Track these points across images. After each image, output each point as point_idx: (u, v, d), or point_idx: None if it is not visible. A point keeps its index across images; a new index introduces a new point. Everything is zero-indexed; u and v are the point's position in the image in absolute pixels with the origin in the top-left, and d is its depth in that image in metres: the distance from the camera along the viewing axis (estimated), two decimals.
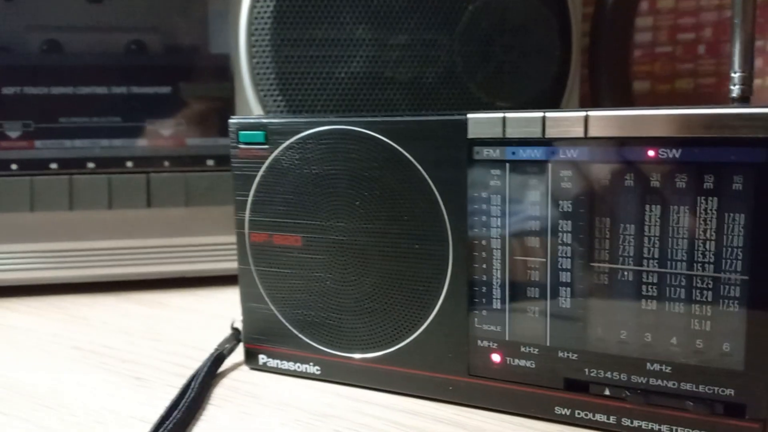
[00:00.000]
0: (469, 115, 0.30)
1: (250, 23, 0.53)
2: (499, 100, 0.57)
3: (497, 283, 0.31)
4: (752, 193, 0.26)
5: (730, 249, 0.27)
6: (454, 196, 0.31)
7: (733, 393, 0.27)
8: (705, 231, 0.27)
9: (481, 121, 0.30)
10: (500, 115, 0.30)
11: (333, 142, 0.33)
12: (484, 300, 0.31)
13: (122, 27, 0.54)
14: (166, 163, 0.54)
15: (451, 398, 0.32)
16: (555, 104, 0.59)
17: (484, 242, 0.31)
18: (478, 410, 0.32)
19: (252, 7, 0.53)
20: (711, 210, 0.27)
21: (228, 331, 0.40)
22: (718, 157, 0.26)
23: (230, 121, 0.36)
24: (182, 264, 0.56)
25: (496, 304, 0.31)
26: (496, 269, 0.31)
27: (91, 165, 0.53)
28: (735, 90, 0.28)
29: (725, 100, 0.29)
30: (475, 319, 0.31)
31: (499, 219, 0.30)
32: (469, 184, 0.31)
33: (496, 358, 0.31)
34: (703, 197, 0.27)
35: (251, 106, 0.54)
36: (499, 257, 0.31)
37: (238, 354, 0.39)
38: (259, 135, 0.35)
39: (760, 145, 0.25)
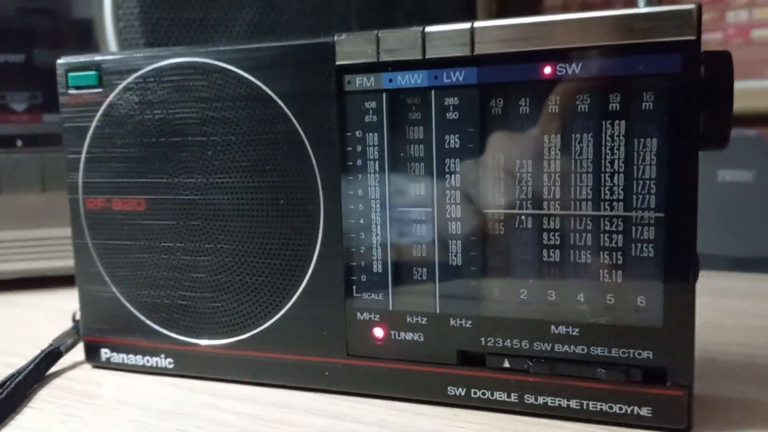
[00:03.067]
0: (337, 37, 0.25)
1: None
2: None
3: (377, 241, 0.26)
4: (665, 112, 0.22)
5: (641, 182, 0.22)
6: (324, 137, 0.26)
7: (651, 355, 0.23)
8: (612, 162, 0.23)
9: (350, 42, 0.25)
10: (372, 33, 0.24)
11: (178, 78, 0.27)
12: (362, 263, 0.26)
13: None
14: (19, 143, 0.47)
15: (329, 385, 0.27)
16: None
17: (360, 192, 0.25)
18: (358, 398, 0.26)
19: None
20: (618, 136, 0.22)
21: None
22: (625, 70, 0.22)
23: (58, 62, 0.30)
24: (39, 260, 0.48)
25: (377, 267, 0.26)
26: (376, 224, 0.25)
27: None
28: None
29: None
30: (353, 287, 0.26)
31: (376, 162, 0.25)
32: (340, 121, 0.25)
33: (378, 332, 0.26)
34: (608, 120, 0.22)
35: None
36: (379, 209, 0.25)
37: (80, 351, 0.32)
38: (90, 76, 0.29)
39: (673, 51, 0.21)
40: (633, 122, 0.22)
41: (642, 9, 0.21)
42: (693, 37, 0.21)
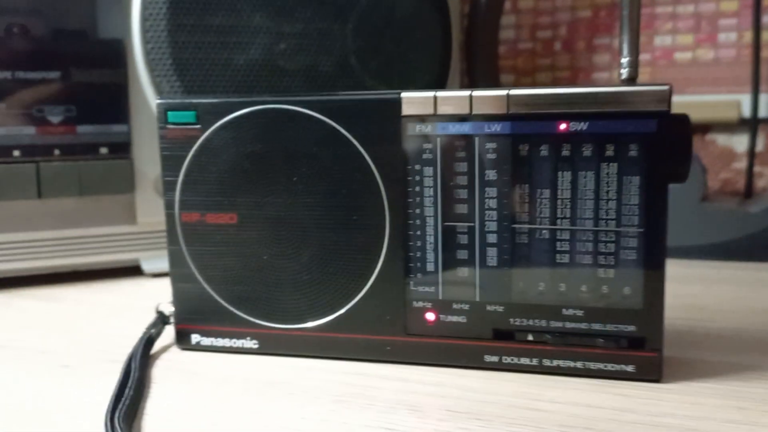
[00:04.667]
0: (403, 95, 0.33)
1: (144, 8, 0.52)
2: (391, 89, 0.60)
3: (431, 248, 0.34)
4: (645, 158, 0.31)
5: (628, 207, 0.32)
6: (390, 169, 0.34)
7: (634, 329, 0.32)
8: (607, 192, 0.32)
9: (413, 101, 0.33)
10: (431, 94, 0.33)
11: (268, 121, 0.35)
12: (418, 264, 0.34)
13: (1, 8, 0.50)
14: (57, 152, 0.52)
15: (390, 357, 0.35)
16: None
17: (418, 211, 0.34)
18: (416, 366, 0.35)
19: None
20: (612, 174, 0.31)
21: (140, 321, 0.40)
22: (618, 129, 0.31)
23: (157, 102, 0.36)
24: (76, 257, 0.54)
25: (430, 267, 0.34)
26: (430, 235, 0.34)
27: None
28: (624, 72, 0.33)
29: None
30: (411, 283, 0.34)
31: (431, 189, 0.33)
32: (403, 158, 0.33)
33: (430, 316, 0.34)
34: (605, 163, 0.31)
35: (146, 92, 0.54)
36: (432, 224, 0.34)
37: (165, 339, 0.39)
38: (189, 115, 0.35)
39: (651, 117, 0.30)
40: (622, 165, 0.31)
41: (632, 87, 0.31)
42: (666, 109, 0.30)
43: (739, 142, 0.70)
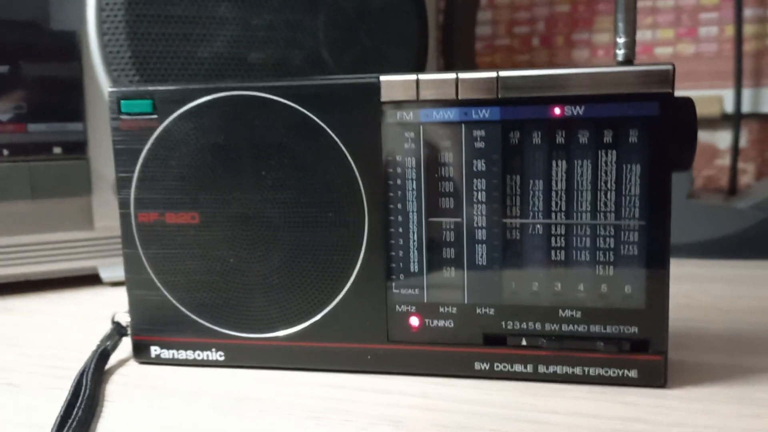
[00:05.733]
0: (382, 78, 0.30)
1: None
2: None
3: (414, 246, 0.31)
4: (647, 144, 0.28)
5: (628, 198, 0.29)
6: (368, 160, 0.31)
7: (637, 330, 0.29)
8: (606, 182, 0.29)
9: (393, 85, 0.30)
10: (413, 77, 0.30)
11: (232, 109, 0.31)
12: (401, 264, 0.31)
13: None
14: (6, 152, 0.48)
15: (371, 367, 0.32)
16: None
17: (400, 206, 0.31)
18: (399, 376, 0.32)
19: None
20: (611, 162, 0.29)
21: (97, 331, 0.36)
22: (617, 112, 0.28)
23: (109, 90, 0.33)
24: (28, 265, 0.49)
25: (414, 268, 0.31)
26: (413, 232, 0.31)
27: None
28: (620, 54, 0.31)
29: None
30: (393, 284, 0.31)
31: (414, 182, 0.31)
32: (383, 148, 0.30)
33: (414, 321, 0.31)
34: (603, 150, 0.29)
35: (102, 87, 0.50)
36: (416, 220, 0.31)
37: (121, 352, 0.35)
38: (145, 104, 0.32)
39: (653, 99, 0.28)
40: (622, 152, 0.29)
41: (632, 67, 0.28)
42: (669, 90, 0.28)
43: (722, 139, 0.69)
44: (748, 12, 0.66)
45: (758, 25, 0.66)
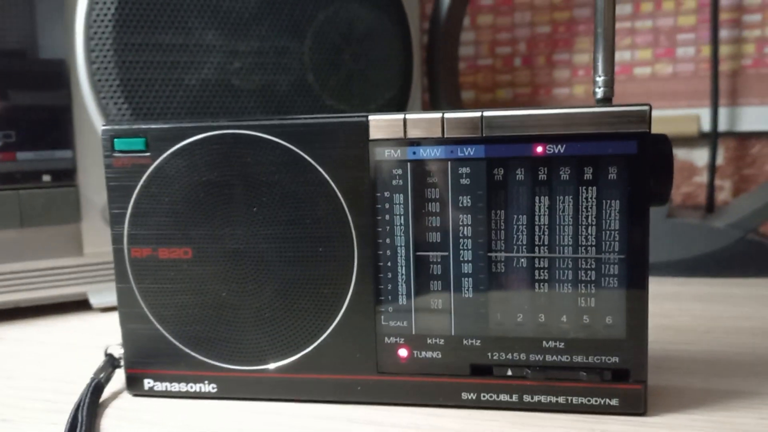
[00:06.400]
0: (370, 117, 0.31)
1: (88, 26, 0.49)
2: (351, 107, 0.58)
3: (402, 279, 0.32)
4: (625, 181, 0.29)
5: (608, 232, 0.30)
6: (357, 196, 0.31)
7: (618, 360, 0.30)
8: (587, 217, 0.30)
9: (381, 124, 0.31)
10: (401, 116, 0.31)
11: (224, 147, 0.32)
12: (390, 297, 0.32)
13: None
14: None
15: (361, 398, 0.33)
16: (401, 110, 0.62)
17: (388, 240, 0.32)
18: (389, 407, 0.32)
19: (90, 10, 0.49)
20: (591, 198, 0.30)
21: (92, 362, 0.36)
22: (597, 151, 0.30)
23: (102, 128, 0.33)
24: (18, 292, 0.50)
25: (402, 300, 0.32)
26: (401, 266, 0.32)
27: None
28: (599, 92, 0.32)
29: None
30: (382, 317, 0.32)
31: (402, 217, 0.31)
32: (371, 184, 0.31)
33: (403, 353, 0.32)
34: (584, 187, 0.30)
35: (91, 115, 0.50)
36: (404, 254, 0.32)
37: (115, 384, 0.36)
38: (138, 142, 0.33)
39: (631, 138, 0.29)
40: (602, 188, 0.30)
41: (611, 107, 0.29)
42: (646, 129, 0.29)
43: (699, 156, 0.71)
44: (723, 33, 0.67)
45: (734, 45, 0.68)
